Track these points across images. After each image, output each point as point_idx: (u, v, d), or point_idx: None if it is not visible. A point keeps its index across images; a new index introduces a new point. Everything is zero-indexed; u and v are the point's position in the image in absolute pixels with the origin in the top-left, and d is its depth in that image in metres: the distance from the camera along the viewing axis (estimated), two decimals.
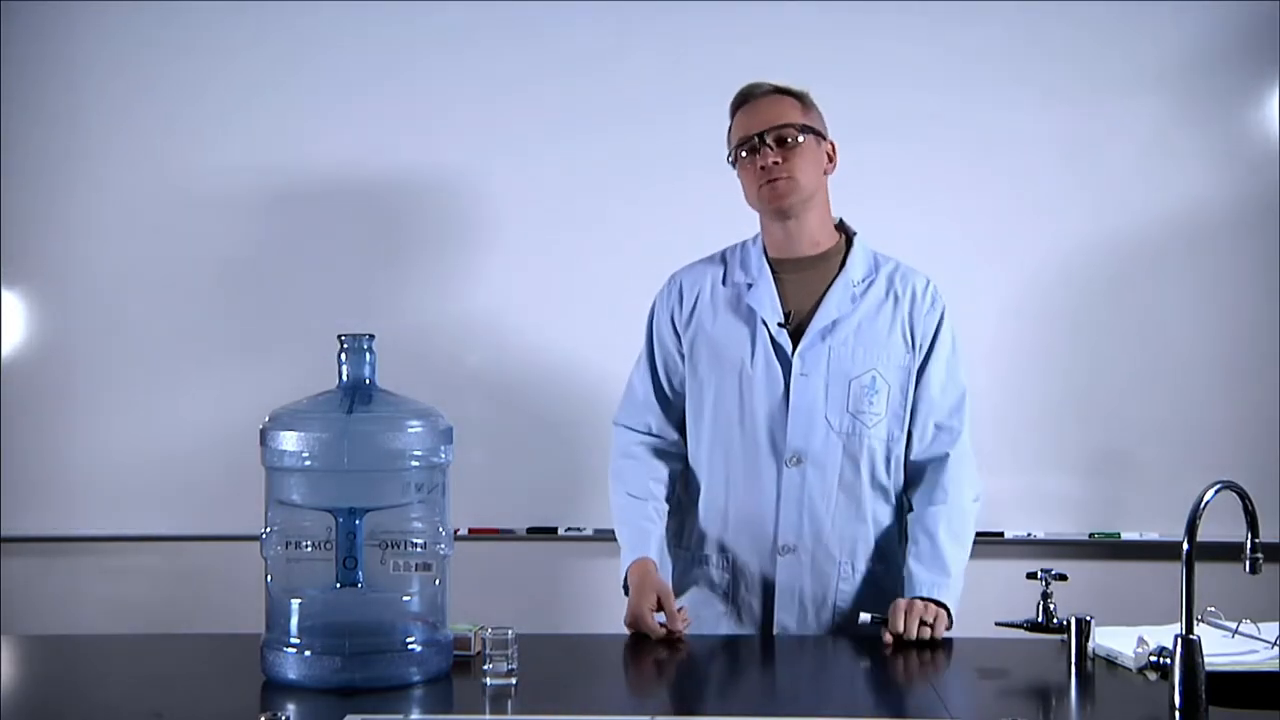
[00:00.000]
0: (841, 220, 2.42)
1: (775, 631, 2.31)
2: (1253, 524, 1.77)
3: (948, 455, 2.32)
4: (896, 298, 2.35)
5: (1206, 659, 1.72)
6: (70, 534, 3.12)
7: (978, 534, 2.34)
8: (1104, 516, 3.06)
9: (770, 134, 2.30)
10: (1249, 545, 1.78)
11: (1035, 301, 3.06)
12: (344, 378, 1.97)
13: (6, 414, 3.10)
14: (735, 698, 2.07)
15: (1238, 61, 3.04)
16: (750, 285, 2.36)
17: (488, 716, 1.80)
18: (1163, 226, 3.05)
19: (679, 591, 2.33)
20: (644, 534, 2.33)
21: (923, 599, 2.20)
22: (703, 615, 2.32)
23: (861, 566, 2.32)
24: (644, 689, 2.12)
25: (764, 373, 2.31)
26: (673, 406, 2.42)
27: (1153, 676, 1.85)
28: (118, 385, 3.12)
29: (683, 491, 2.42)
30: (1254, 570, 1.78)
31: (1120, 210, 3.05)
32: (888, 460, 2.32)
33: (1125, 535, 3.06)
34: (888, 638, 2.15)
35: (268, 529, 1.94)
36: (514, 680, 1.85)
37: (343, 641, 1.87)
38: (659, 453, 2.42)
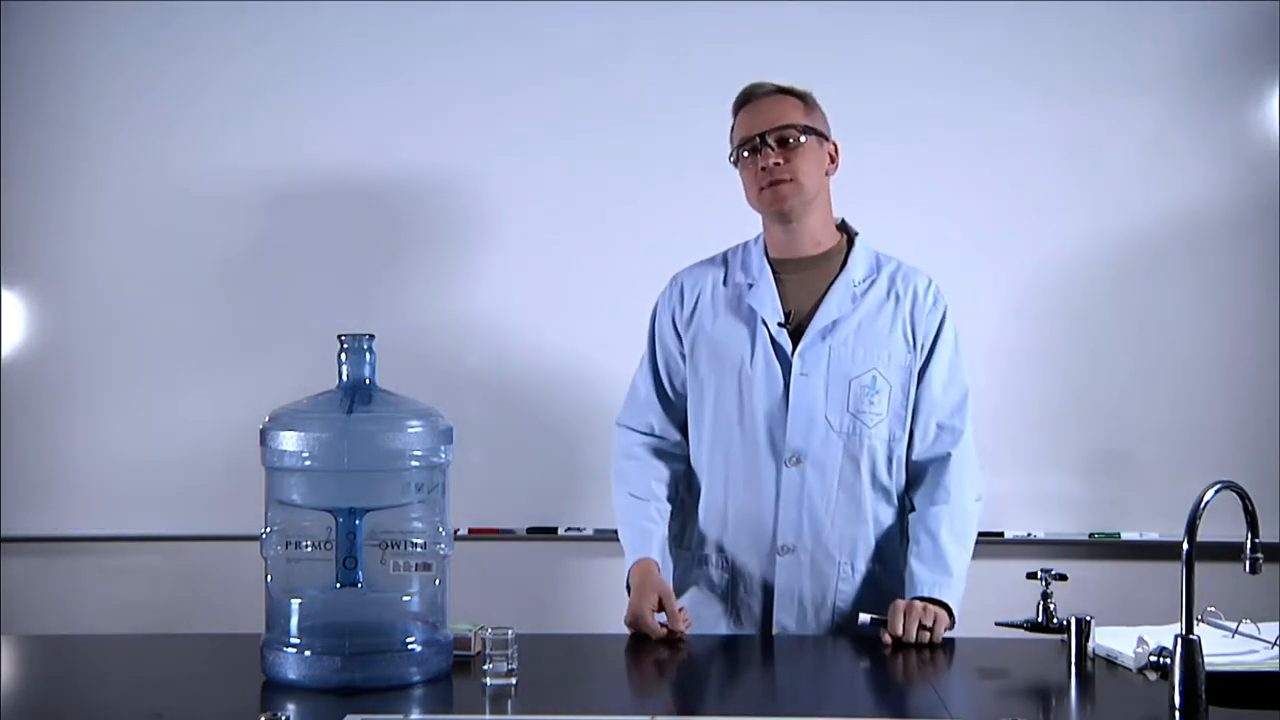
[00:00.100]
0: (844, 220, 2.42)
1: (775, 632, 2.31)
2: (1253, 524, 1.77)
3: (950, 455, 2.31)
4: (898, 297, 2.34)
5: (1206, 659, 1.72)
6: (70, 534, 3.12)
7: (978, 534, 2.34)
8: (1104, 516, 3.06)
9: (772, 135, 2.30)
10: (1249, 545, 1.78)
11: (1035, 301, 3.06)
12: (344, 378, 1.97)
13: (6, 414, 3.10)
14: (735, 698, 2.07)
15: (1238, 61, 3.04)
16: (751, 285, 2.36)
17: (488, 716, 1.80)
18: (1163, 226, 3.05)
19: (679, 592, 2.33)
20: (646, 534, 2.33)
21: (924, 599, 2.19)
22: (702, 616, 2.32)
23: (861, 567, 2.32)
24: (644, 689, 2.12)
25: (763, 372, 2.31)
26: (674, 407, 2.42)
27: (1153, 676, 1.85)
28: (118, 385, 3.12)
29: (685, 492, 2.42)
30: (1254, 570, 1.78)
31: (1120, 210, 3.05)
32: (889, 460, 2.32)
33: (1125, 535, 3.06)
34: (886, 639, 2.15)
35: (268, 529, 1.94)
36: (514, 680, 1.85)
37: (343, 641, 1.87)
38: (661, 453, 2.42)
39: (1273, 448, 2.94)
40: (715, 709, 1.97)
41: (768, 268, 2.36)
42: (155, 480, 3.08)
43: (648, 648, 2.17)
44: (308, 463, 1.89)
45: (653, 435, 2.42)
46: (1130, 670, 1.94)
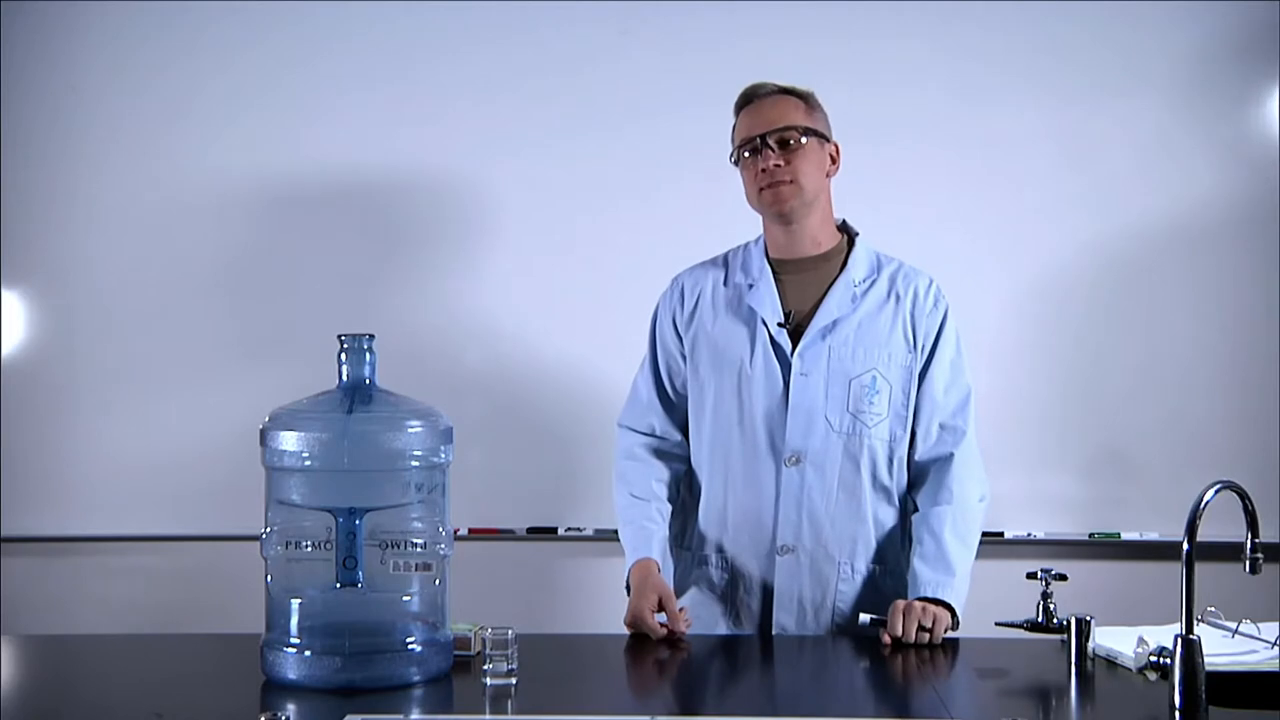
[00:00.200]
0: (844, 221, 2.42)
1: (774, 633, 2.31)
2: (1253, 524, 1.77)
3: (952, 455, 2.31)
4: (898, 298, 2.34)
5: (1206, 659, 1.72)
6: (70, 534, 3.12)
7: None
8: (1104, 516, 3.06)
9: (773, 136, 2.30)
10: (1249, 545, 1.78)
11: (1035, 301, 3.06)
12: (344, 378, 1.97)
13: (6, 414, 3.10)
14: (735, 698, 2.07)
15: (1238, 61, 3.04)
16: (751, 286, 2.36)
17: (488, 716, 1.80)
18: (1163, 226, 3.05)
19: (679, 592, 2.33)
20: (646, 534, 2.33)
21: (927, 599, 2.19)
22: (702, 616, 2.32)
23: (861, 568, 2.31)
24: (644, 689, 2.12)
25: (763, 372, 2.31)
26: (675, 408, 2.42)
27: (1153, 676, 1.85)
28: (118, 385, 3.12)
29: (686, 492, 2.42)
30: (1254, 570, 1.78)
31: (1120, 210, 3.05)
32: (889, 461, 2.32)
33: (1125, 535, 3.06)
34: (886, 639, 2.15)
35: (268, 529, 1.94)
36: (514, 680, 1.85)
37: (343, 641, 1.87)
38: (662, 454, 2.42)
39: (1273, 448, 2.95)
40: (715, 709, 1.97)
41: (768, 268, 2.36)
42: (155, 480, 3.08)
43: (648, 648, 2.17)
44: (308, 463, 1.89)
45: (653, 436, 2.42)
46: (1130, 670, 1.95)
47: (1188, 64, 3.05)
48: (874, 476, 2.31)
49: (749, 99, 2.35)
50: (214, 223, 3.11)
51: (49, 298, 3.16)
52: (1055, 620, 2.09)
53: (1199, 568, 1.72)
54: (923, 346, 2.33)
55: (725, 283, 2.40)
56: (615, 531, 2.40)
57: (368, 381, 1.97)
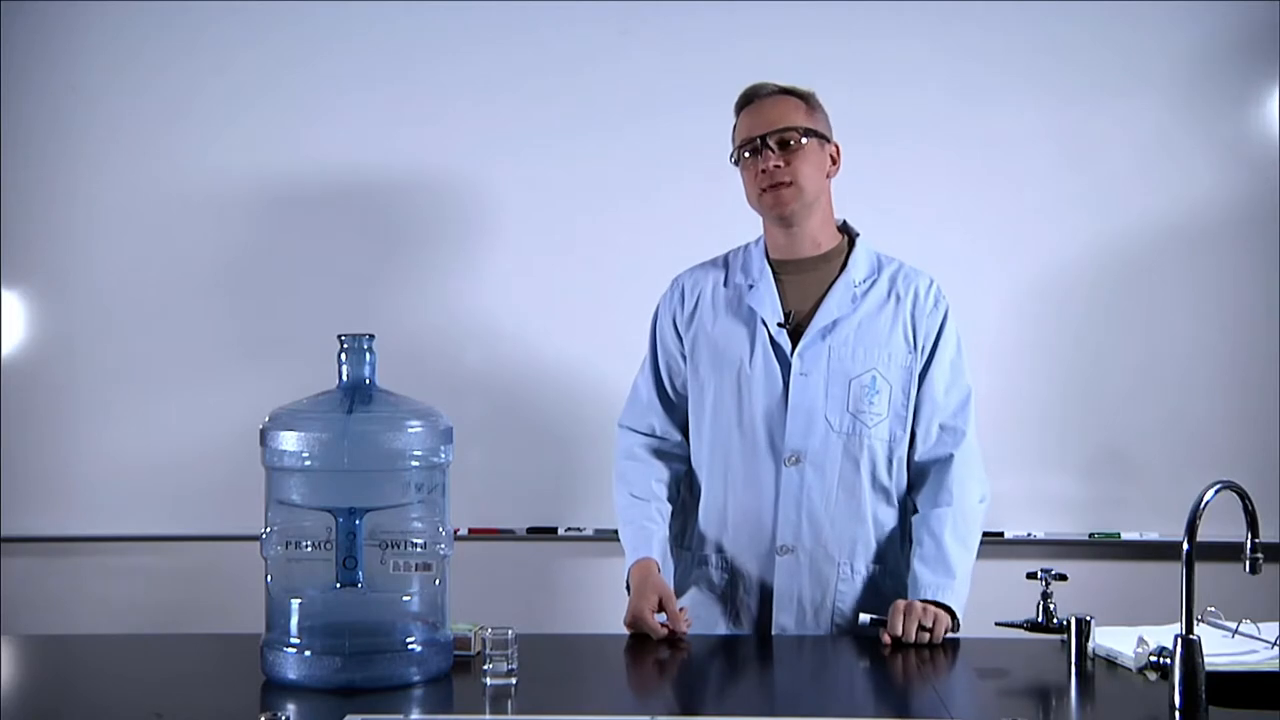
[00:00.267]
0: (844, 221, 2.42)
1: (774, 633, 2.31)
2: (1253, 524, 1.77)
3: (952, 456, 2.31)
4: (898, 298, 2.34)
5: (1206, 659, 1.72)
6: (70, 534, 3.12)
7: None
8: (1104, 516, 3.06)
9: (773, 136, 2.29)
10: (1249, 545, 1.78)
11: (1035, 301, 3.06)
12: (344, 378, 1.97)
13: (6, 414, 3.10)
14: (735, 698, 2.07)
15: (1238, 61, 3.04)
16: (751, 286, 2.36)
17: (488, 716, 1.80)
18: (1163, 226, 3.05)
19: (679, 592, 2.33)
20: (646, 534, 2.33)
21: (926, 602, 2.19)
22: (702, 616, 2.32)
23: (861, 568, 2.31)
24: (644, 689, 2.12)
25: (762, 372, 2.31)
26: (676, 408, 2.42)
27: (1153, 676, 1.85)
28: (118, 385, 3.12)
29: (686, 493, 2.42)
30: (1254, 570, 1.78)
31: (1121, 210, 3.05)
32: (889, 461, 2.32)
33: (1125, 535, 3.06)
34: (886, 639, 2.15)
35: (268, 529, 1.94)
36: (514, 680, 1.85)
37: (343, 641, 1.87)
38: (662, 454, 2.42)
39: (1273, 448, 2.95)
40: (715, 709, 1.97)
41: (768, 268, 2.36)
42: (155, 480, 3.08)
43: (648, 648, 2.17)
44: (308, 463, 1.89)
45: (654, 436, 2.42)
46: (1130, 670, 1.95)
47: (1188, 64, 3.05)
48: (873, 477, 2.31)
49: (749, 99, 2.35)
50: (214, 223, 3.11)
51: (49, 298, 3.16)
52: (1055, 620, 2.09)
53: (1199, 568, 1.72)
54: (923, 347, 2.33)
55: (725, 283, 2.40)
56: (615, 531, 2.40)
57: (368, 381, 1.97)
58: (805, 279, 2.35)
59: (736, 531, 2.34)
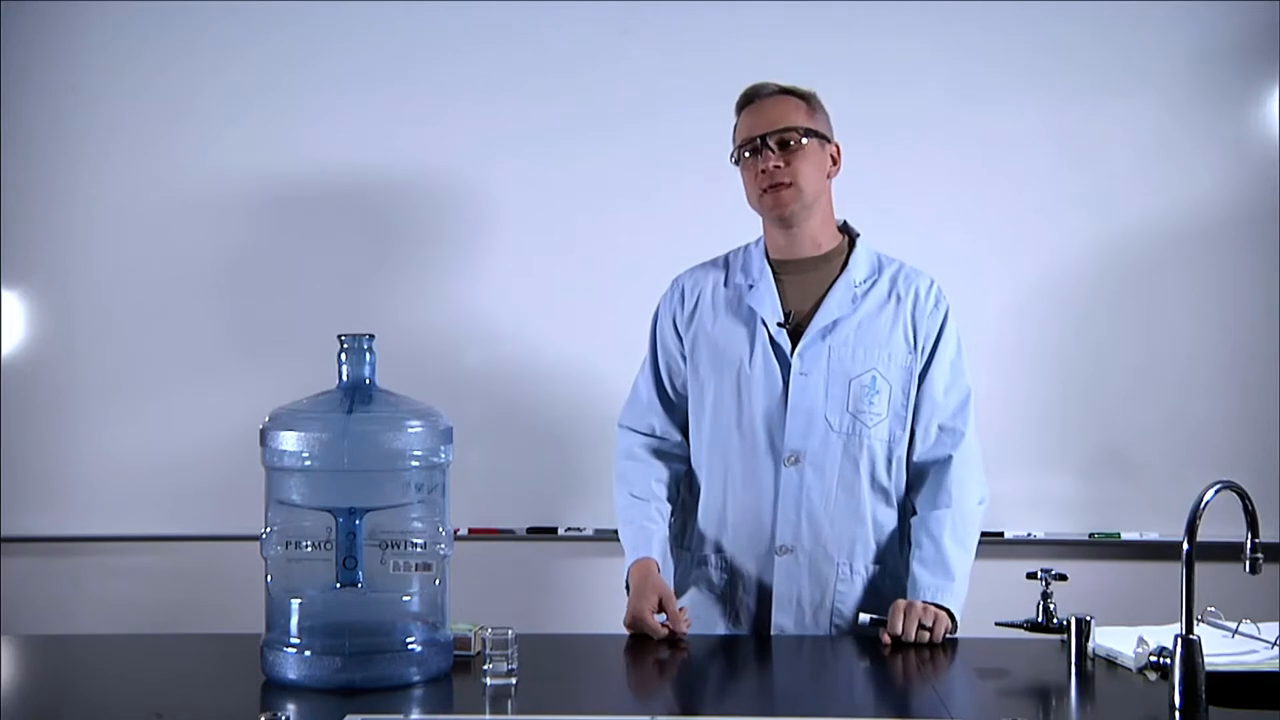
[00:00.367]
0: (845, 222, 2.42)
1: (773, 633, 2.31)
2: (1253, 524, 1.77)
3: (951, 457, 2.31)
4: (899, 298, 2.34)
5: (1206, 659, 1.72)
6: (70, 534, 3.12)
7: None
8: (1104, 516, 3.06)
9: (773, 137, 2.29)
10: (1249, 545, 1.78)
11: (1035, 301, 3.06)
12: (344, 378, 1.97)
13: (6, 414, 3.10)
14: (735, 698, 2.07)
15: (1238, 61, 3.04)
16: (751, 286, 2.36)
17: (488, 716, 1.80)
18: (1163, 226, 3.05)
19: (679, 592, 2.33)
20: (646, 534, 2.33)
21: (925, 603, 2.19)
22: (701, 616, 2.32)
23: (860, 569, 2.31)
24: (644, 689, 2.12)
25: (762, 372, 2.31)
26: (676, 408, 2.42)
27: (1153, 676, 1.85)
28: (118, 385, 3.12)
29: (686, 493, 2.42)
30: (1254, 570, 1.78)
31: (1121, 210, 3.05)
32: (888, 461, 2.32)
33: (1125, 535, 3.06)
34: (886, 639, 2.15)
35: (268, 529, 1.94)
36: (514, 680, 1.85)
37: (343, 641, 1.87)
38: (662, 454, 2.42)
39: (1273, 448, 2.95)
40: (715, 709, 1.97)
41: (768, 269, 2.36)
42: (155, 480, 3.08)
43: (648, 648, 2.17)
44: (308, 463, 1.89)
45: (654, 436, 2.42)
46: (1130, 670, 1.95)
47: (1188, 64, 3.05)
48: (873, 477, 2.31)
49: (750, 99, 2.35)
50: (214, 223, 3.11)
51: (49, 298, 3.16)
52: (1055, 620, 2.09)
53: (1199, 568, 1.72)
54: (923, 347, 2.33)
55: (725, 283, 2.40)
56: (615, 531, 2.40)
57: (368, 381, 1.97)
58: (805, 279, 2.35)
59: (736, 531, 2.34)
